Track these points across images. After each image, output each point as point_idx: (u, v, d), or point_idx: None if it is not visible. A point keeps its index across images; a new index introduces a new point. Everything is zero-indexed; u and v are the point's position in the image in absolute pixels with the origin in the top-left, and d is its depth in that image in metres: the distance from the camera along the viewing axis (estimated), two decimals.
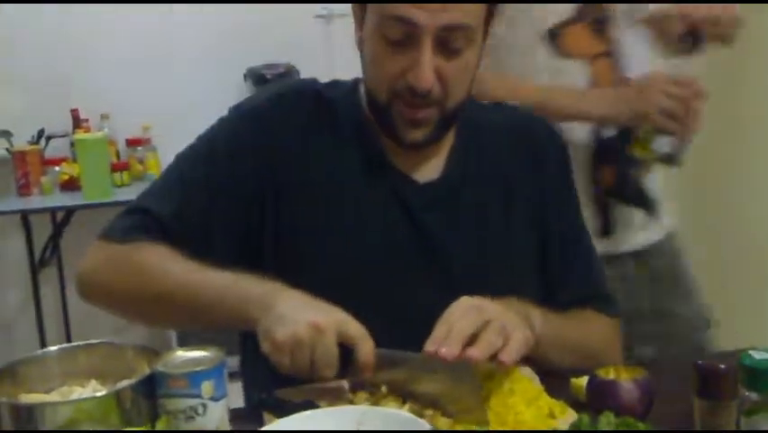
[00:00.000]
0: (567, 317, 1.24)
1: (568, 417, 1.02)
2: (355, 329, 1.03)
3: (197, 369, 0.94)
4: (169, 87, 3.61)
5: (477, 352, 1.01)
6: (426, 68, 1.11)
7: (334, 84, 1.29)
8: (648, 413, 1.01)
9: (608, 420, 0.94)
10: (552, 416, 1.03)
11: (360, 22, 1.19)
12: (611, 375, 1.05)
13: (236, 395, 1.15)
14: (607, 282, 1.36)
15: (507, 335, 1.04)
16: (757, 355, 0.91)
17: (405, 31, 1.11)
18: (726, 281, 2.53)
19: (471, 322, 1.03)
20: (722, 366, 0.93)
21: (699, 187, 2.82)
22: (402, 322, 1.08)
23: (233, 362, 1.14)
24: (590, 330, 1.29)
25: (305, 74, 3.19)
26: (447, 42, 1.12)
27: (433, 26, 1.10)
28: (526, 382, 1.06)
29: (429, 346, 1.02)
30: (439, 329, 1.03)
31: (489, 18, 1.18)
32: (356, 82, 1.26)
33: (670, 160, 1.53)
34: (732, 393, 0.92)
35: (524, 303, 1.15)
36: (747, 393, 0.90)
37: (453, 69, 1.14)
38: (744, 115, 2.85)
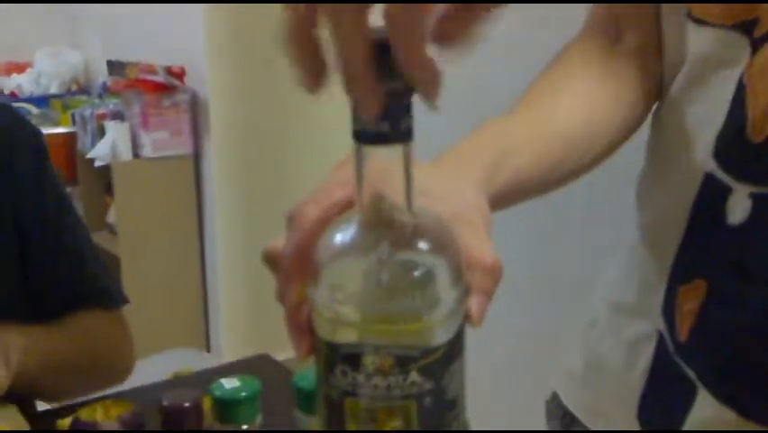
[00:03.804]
0: (60, 329, 1.14)
1: None
2: None
3: None
4: None
5: None
6: None
7: None
8: None
9: None
10: None
11: None
12: (96, 414, 0.96)
13: None
14: (107, 275, 1.25)
15: None
16: (228, 385, 0.86)
17: None
18: None
19: None
20: (186, 403, 0.87)
21: None
22: None
23: None
24: (93, 336, 1.19)
25: None
26: None
27: None
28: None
29: None
30: None
31: None
32: None
33: None
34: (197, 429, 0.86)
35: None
36: (219, 425, 0.85)
37: None
38: None
